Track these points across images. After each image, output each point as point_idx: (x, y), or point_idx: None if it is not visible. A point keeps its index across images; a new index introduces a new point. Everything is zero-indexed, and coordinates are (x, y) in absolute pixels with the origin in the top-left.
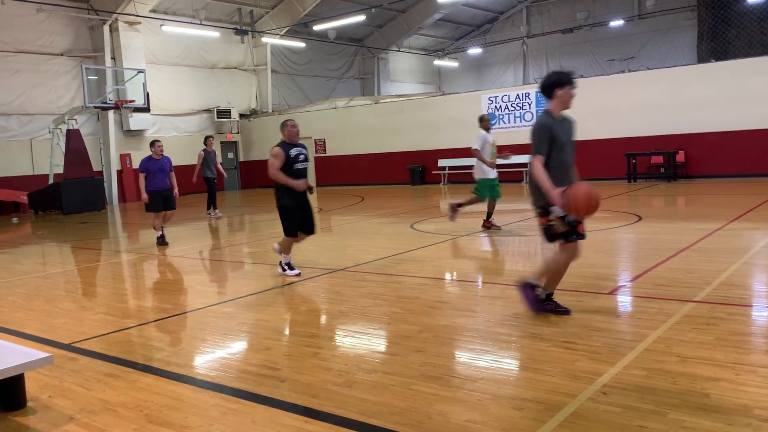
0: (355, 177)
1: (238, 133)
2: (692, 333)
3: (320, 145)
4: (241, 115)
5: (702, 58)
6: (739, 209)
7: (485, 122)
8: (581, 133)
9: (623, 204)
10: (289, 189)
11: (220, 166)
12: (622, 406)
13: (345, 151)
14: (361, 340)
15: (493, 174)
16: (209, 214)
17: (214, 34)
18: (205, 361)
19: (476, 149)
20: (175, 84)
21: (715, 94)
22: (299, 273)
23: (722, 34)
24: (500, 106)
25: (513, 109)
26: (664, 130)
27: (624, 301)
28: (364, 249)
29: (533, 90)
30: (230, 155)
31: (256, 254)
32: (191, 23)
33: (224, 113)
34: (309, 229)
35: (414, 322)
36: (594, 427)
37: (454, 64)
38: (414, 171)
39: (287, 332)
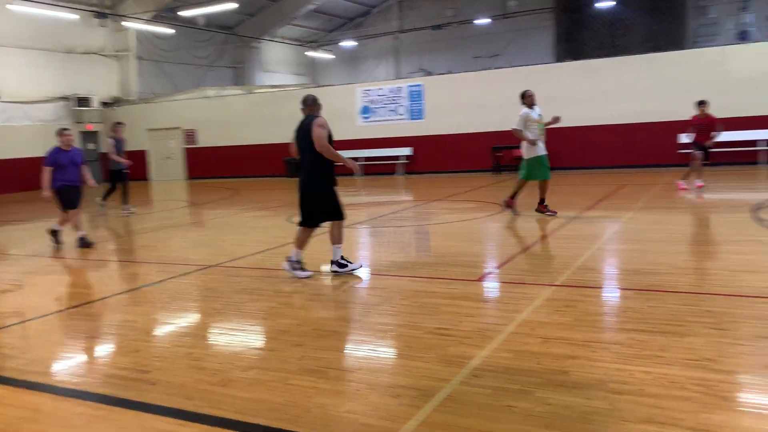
0: (229, 169)
1: (99, 122)
2: (553, 315)
3: (191, 135)
4: (104, 104)
5: (560, 58)
6: (593, 199)
7: (528, 98)
8: (449, 128)
9: (489, 195)
10: (331, 169)
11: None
12: (492, 387)
13: (218, 142)
14: (237, 337)
15: (541, 151)
16: (124, 210)
17: (71, 16)
18: (67, 367)
19: (516, 128)
20: (26, 69)
21: (573, 91)
22: (312, 274)
23: (577, 36)
24: (374, 100)
25: (387, 102)
26: None
27: (491, 287)
28: (239, 243)
29: (406, 84)
30: (91, 146)
31: (126, 251)
32: (43, 3)
33: (84, 101)
34: (339, 214)
35: (292, 317)
36: (467, 410)
37: (329, 56)
38: (290, 163)
39: (157, 333)
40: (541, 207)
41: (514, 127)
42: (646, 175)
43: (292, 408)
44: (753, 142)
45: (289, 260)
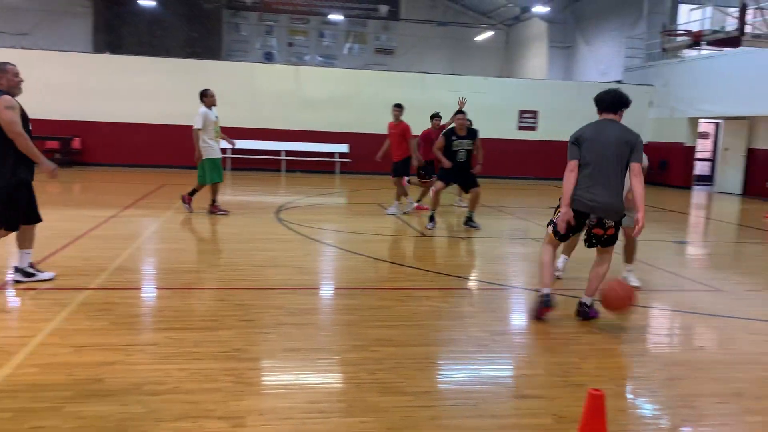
0: None
1: None
2: (88, 321)
3: None
4: None
5: (98, 49)
6: (132, 197)
7: (210, 98)
8: None
9: None
10: (25, 160)
11: None
12: (13, 410)
13: None
14: None
15: (217, 153)
16: None
17: None
18: None
19: (198, 128)
20: None
21: (111, 86)
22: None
23: (117, 29)
24: None
25: None
26: (61, 115)
27: (16, 295)
28: None
29: None
30: None
31: None
32: None
33: None
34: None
35: None
36: None
37: None
38: None
39: None
40: (214, 207)
41: (198, 127)
42: (185, 175)
43: None
44: (278, 152)
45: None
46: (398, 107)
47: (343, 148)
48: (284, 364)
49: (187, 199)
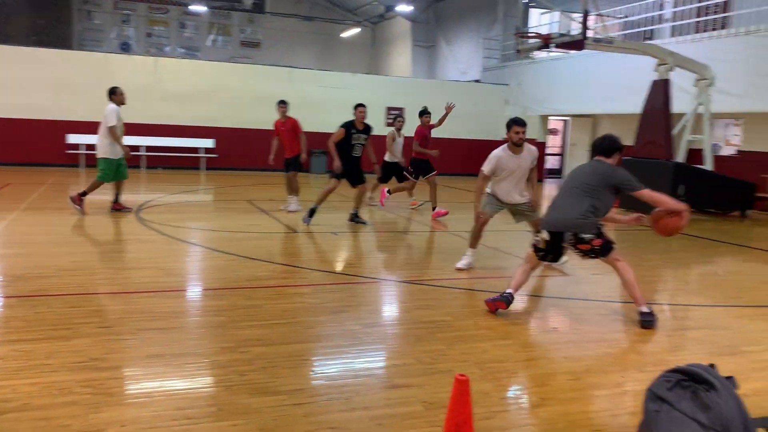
0: None
1: None
2: None
3: None
4: None
5: None
6: None
7: (119, 95)
8: None
9: None
10: None
11: None
12: None
13: None
14: None
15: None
16: None
17: None
18: None
19: (114, 126)
20: None
21: None
22: None
23: None
24: None
25: None
26: None
27: None
28: None
29: None
30: None
31: None
32: None
33: None
34: None
35: None
36: None
37: None
38: None
39: None
40: (117, 205)
41: (113, 124)
42: (32, 173)
43: None
44: (136, 148)
45: None
46: (283, 104)
47: (209, 143)
48: (147, 371)
49: (79, 200)
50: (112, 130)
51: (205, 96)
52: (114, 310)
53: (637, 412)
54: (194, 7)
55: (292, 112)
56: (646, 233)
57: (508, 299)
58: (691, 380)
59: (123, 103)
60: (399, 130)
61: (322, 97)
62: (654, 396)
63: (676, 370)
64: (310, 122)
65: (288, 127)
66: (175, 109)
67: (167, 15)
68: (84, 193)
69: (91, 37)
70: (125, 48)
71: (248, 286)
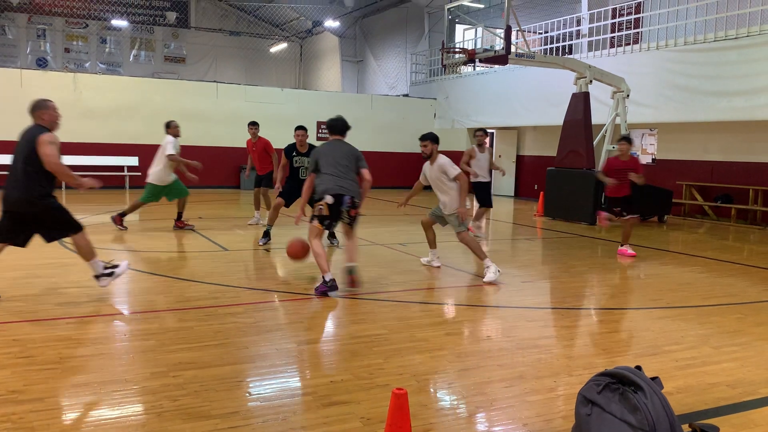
0: None
1: None
2: None
3: None
4: None
5: None
6: None
7: (175, 128)
8: None
9: None
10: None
11: None
12: None
13: None
14: None
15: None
16: None
17: None
18: None
19: (173, 154)
20: None
21: None
22: None
23: None
24: None
25: None
26: None
27: None
28: None
29: None
30: None
31: None
32: None
33: None
34: None
35: None
36: None
37: None
38: None
39: None
40: (180, 223)
41: (173, 152)
42: None
43: None
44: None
45: None
46: (254, 125)
47: (133, 160)
48: (73, 401)
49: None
50: (172, 158)
51: (128, 113)
52: (34, 338)
53: (570, 415)
54: (116, 22)
55: (218, 128)
56: (577, 239)
57: (333, 285)
58: (619, 383)
59: (178, 136)
60: (480, 145)
61: (250, 112)
62: (585, 400)
63: (605, 374)
64: (238, 138)
65: (259, 148)
66: (97, 126)
67: (86, 30)
68: (123, 214)
69: (4, 52)
70: (41, 64)
71: (178, 307)
